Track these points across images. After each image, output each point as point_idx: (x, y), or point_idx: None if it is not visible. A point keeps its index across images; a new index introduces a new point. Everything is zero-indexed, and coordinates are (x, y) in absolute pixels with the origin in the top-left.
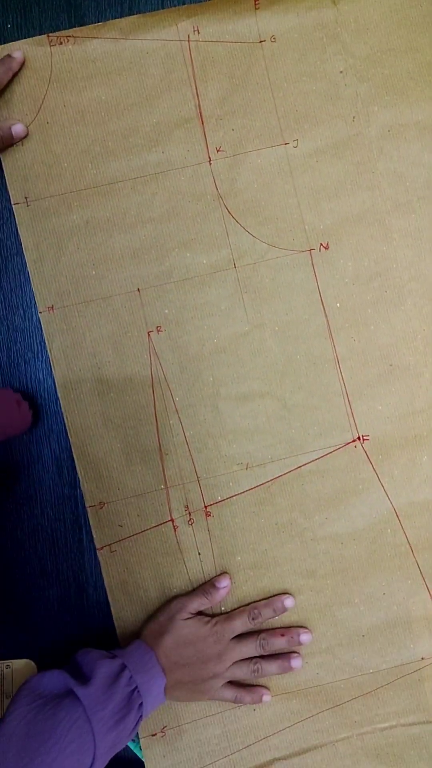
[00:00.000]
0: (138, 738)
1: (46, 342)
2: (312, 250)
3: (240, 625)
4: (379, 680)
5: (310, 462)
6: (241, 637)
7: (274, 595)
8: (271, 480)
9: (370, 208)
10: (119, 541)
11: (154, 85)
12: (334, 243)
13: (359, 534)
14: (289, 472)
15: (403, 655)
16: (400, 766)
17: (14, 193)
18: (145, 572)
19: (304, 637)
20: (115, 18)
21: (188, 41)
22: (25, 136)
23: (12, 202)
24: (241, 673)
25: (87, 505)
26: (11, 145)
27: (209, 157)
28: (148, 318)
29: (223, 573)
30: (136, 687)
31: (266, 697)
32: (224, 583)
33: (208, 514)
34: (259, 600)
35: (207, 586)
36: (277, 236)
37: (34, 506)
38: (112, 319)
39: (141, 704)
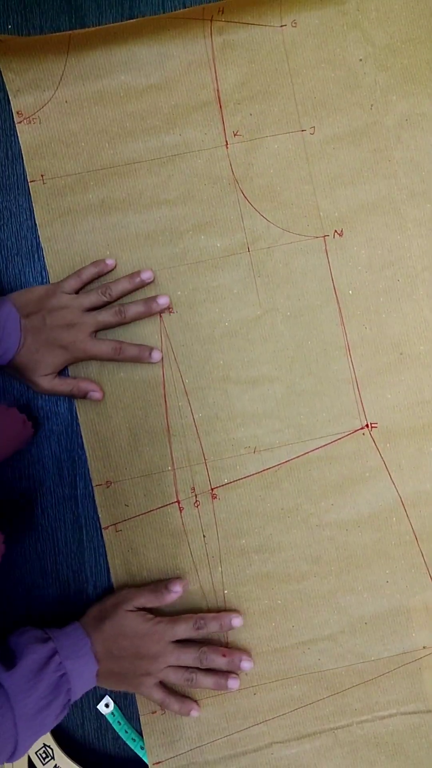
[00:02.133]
0: (138, 737)
1: None
2: (326, 237)
3: (183, 630)
4: (380, 668)
5: (318, 448)
6: (182, 643)
7: (224, 611)
8: (279, 465)
9: (385, 196)
10: (125, 520)
11: (174, 66)
12: (349, 230)
13: (364, 522)
14: (297, 457)
15: (404, 643)
16: (399, 754)
17: (31, 171)
18: (149, 553)
19: (245, 665)
20: (116, 19)
21: (211, 21)
22: (102, 398)
23: (28, 180)
24: (175, 678)
25: (94, 484)
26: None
27: (226, 141)
28: None
29: (178, 578)
30: (65, 673)
31: (194, 713)
32: (177, 588)
33: (214, 497)
34: (209, 612)
35: (159, 585)
36: (291, 221)
37: (34, 506)
38: (125, 299)
39: (69, 689)
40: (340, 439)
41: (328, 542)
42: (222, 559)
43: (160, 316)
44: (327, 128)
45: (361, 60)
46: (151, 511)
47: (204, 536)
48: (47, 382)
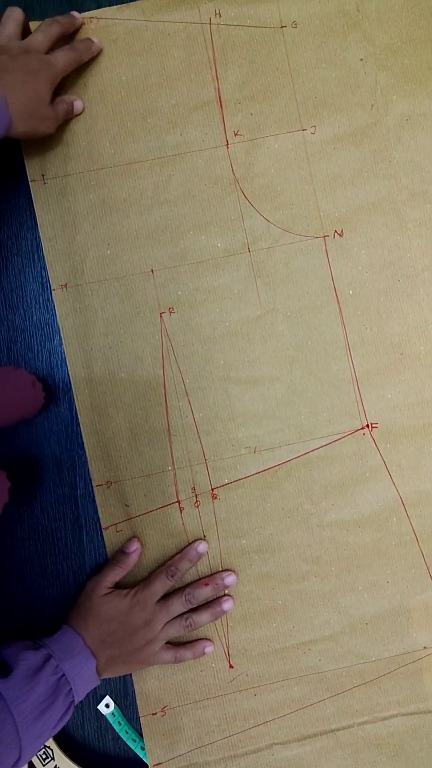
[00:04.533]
0: (138, 738)
1: (59, 320)
2: (326, 237)
3: (160, 586)
4: (381, 669)
5: (319, 448)
6: (166, 597)
7: (186, 546)
8: (279, 465)
9: (385, 196)
10: (125, 521)
11: (174, 66)
12: (349, 230)
13: (365, 522)
14: (297, 457)
15: (405, 644)
16: (400, 755)
17: (31, 171)
18: (150, 553)
19: (229, 579)
20: None
21: (209, 24)
22: (82, 112)
23: (29, 179)
24: (174, 631)
25: (94, 484)
26: (70, 119)
27: (227, 141)
28: (161, 299)
29: (132, 538)
30: (63, 674)
31: (208, 648)
32: (133, 547)
33: (214, 497)
34: (175, 555)
35: (117, 554)
36: (291, 222)
37: (34, 506)
38: (125, 299)
39: (70, 690)
40: (340, 439)
41: (329, 542)
42: (222, 559)
43: (161, 316)
44: (328, 128)
45: (361, 60)
46: (151, 511)
47: (204, 536)
48: (52, 111)
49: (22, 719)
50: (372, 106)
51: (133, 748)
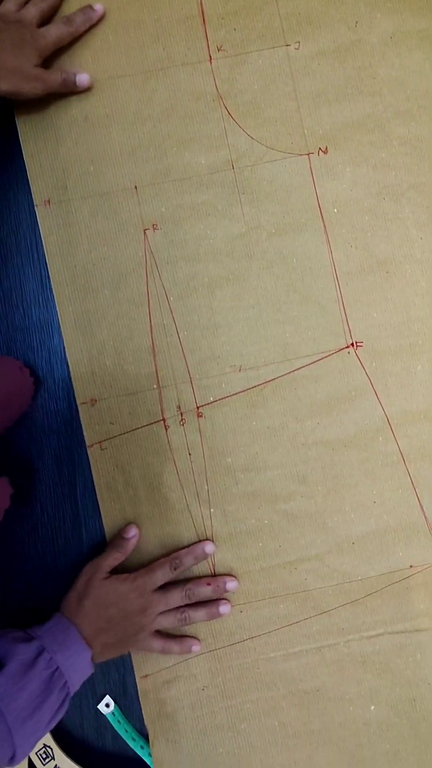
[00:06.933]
0: (138, 736)
1: (42, 237)
2: (310, 154)
3: (161, 576)
4: (368, 588)
5: (304, 366)
6: (166, 587)
7: (194, 543)
8: (264, 383)
9: (370, 114)
10: (110, 438)
11: None
12: (333, 148)
13: (351, 441)
14: (283, 375)
15: (391, 563)
16: (385, 673)
17: None
18: (134, 471)
19: (230, 585)
20: None
21: None
22: (90, 88)
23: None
24: (168, 623)
25: (78, 401)
26: (73, 92)
27: (210, 56)
28: (145, 215)
29: (130, 524)
30: (58, 667)
31: (195, 647)
32: (132, 532)
33: (199, 415)
34: (181, 549)
35: (116, 539)
36: (275, 139)
37: (34, 504)
38: (109, 216)
39: (65, 683)
40: (325, 357)
41: (315, 461)
42: (208, 478)
43: (144, 233)
44: (311, 44)
45: None
46: (136, 429)
47: (190, 454)
48: (39, 71)
49: (14, 717)
50: (356, 22)
51: (132, 747)
